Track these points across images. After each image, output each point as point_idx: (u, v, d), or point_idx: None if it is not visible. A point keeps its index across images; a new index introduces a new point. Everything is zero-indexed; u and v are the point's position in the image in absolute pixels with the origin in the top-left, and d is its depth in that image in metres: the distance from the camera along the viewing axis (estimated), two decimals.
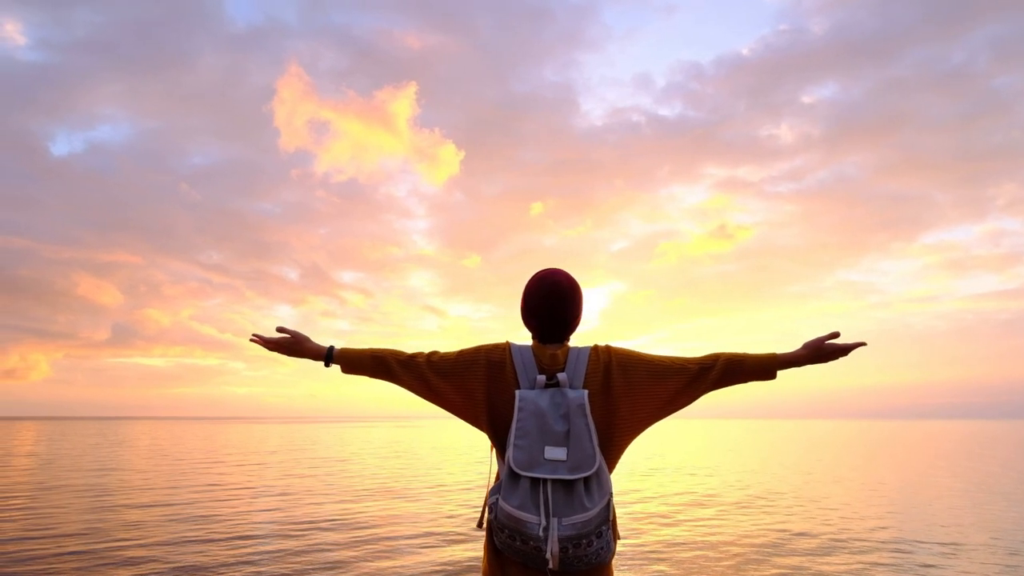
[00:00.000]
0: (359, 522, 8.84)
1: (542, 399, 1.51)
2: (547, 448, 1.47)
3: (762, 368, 1.63)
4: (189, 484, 13.63)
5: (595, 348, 1.64)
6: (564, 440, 1.46)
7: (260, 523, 8.73)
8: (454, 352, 1.68)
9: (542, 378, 1.55)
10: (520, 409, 1.50)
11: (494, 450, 1.64)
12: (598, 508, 1.42)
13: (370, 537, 7.74)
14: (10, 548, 6.97)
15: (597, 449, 1.47)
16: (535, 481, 1.44)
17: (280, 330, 1.74)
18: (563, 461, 1.44)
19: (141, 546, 7.10)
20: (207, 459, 21.44)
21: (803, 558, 6.71)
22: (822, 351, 1.62)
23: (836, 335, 1.63)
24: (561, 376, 1.55)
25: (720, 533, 8.09)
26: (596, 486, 1.44)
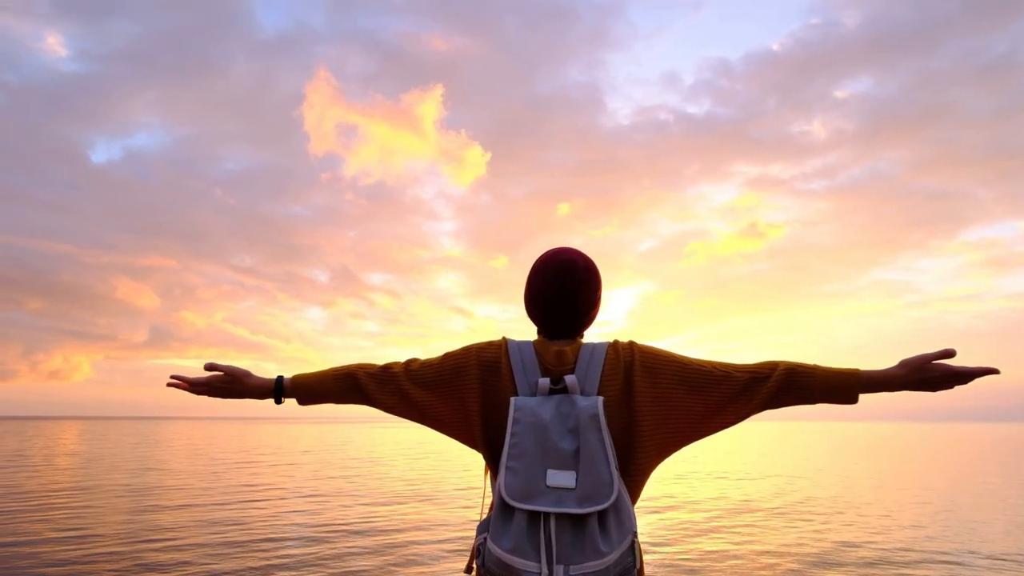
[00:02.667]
0: (386, 527, 8.79)
1: (544, 408, 1.19)
2: (550, 472, 1.14)
3: (838, 387, 1.22)
4: (222, 485, 13.80)
5: (614, 345, 1.31)
6: (572, 462, 1.14)
7: (289, 527, 8.73)
8: (438, 356, 1.36)
9: (545, 382, 1.23)
10: (515, 422, 1.18)
11: (488, 473, 1.33)
12: (617, 553, 1.10)
13: (396, 543, 7.66)
14: (42, 549, 7.08)
15: (615, 474, 1.14)
16: (534, 516, 1.12)
17: (210, 367, 1.37)
18: (571, 489, 1.13)
19: (174, 549, 7.14)
20: (240, 459, 21.75)
21: (850, 570, 6.41)
22: (928, 373, 1.20)
23: (950, 353, 1.19)
24: (570, 379, 1.22)
25: (758, 542, 7.81)
26: (614, 523, 1.12)
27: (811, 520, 9.56)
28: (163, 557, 6.76)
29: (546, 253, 1.36)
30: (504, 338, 1.35)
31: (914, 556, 7.12)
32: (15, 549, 7.07)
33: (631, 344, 1.32)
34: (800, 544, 7.73)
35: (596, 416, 1.17)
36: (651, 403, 1.25)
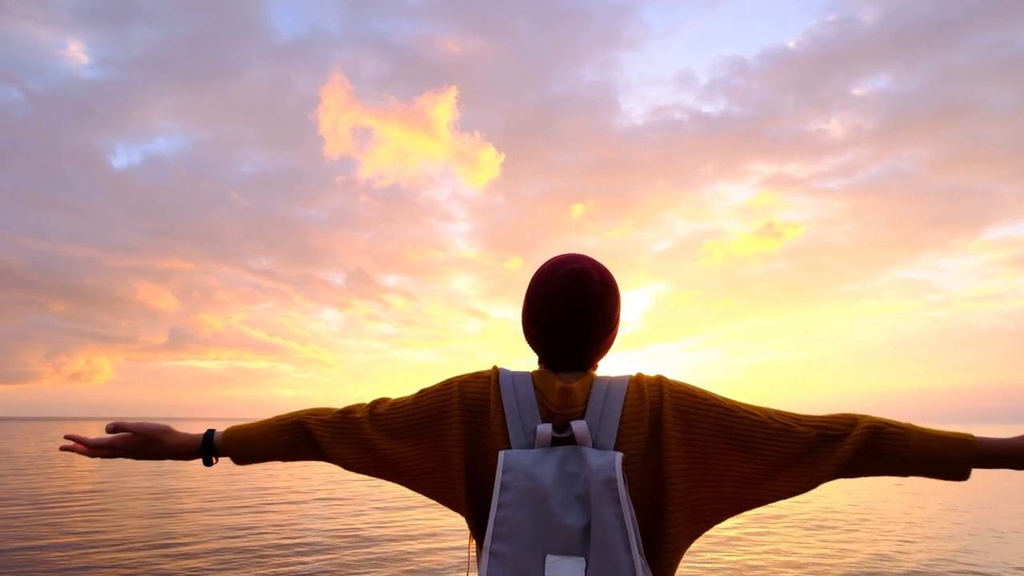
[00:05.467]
0: (400, 535, 8.68)
1: (544, 467, 0.90)
2: (550, 560, 0.87)
3: (944, 459, 0.94)
4: (237, 488, 13.82)
5: (637, 380, 1.00)
6: (580, 544, 0.87)
7: (303, 532, 8.66)
8: (411, 396, 1.06)
9: (546, 429, 0.94)
10: (504, 487, 0.90)
11: (472, 544, 1.04)
12: None
13: (412, 552, 7.54)
14: (52, 555, 7.05)
15: (639, 560, 0.85)
16: None
17: (114, 428, 1.07)
18: None
19: (186, 556, 7.08)
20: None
21: None
22: None
23: None
24: (578, 426, 0.93)
25: (782, 553, 7.59)
26: None
27: (835, 528, 9.31)
28: (175, 565, 6.69)
29: (550, 261, 1.04)
30: (495, 368, 1.04)
31: (945, 568, 6.87)
32: (25, 554, 7.05)
33: (660, 381, 1.00)
34: (825, 555, 7.49)
35: (612, 481, 0.87)
36: (685, 460, 0.95)
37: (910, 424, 0.97)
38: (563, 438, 0.94)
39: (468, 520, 1.01)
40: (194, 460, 1.10)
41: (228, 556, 7.10)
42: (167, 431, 1.09)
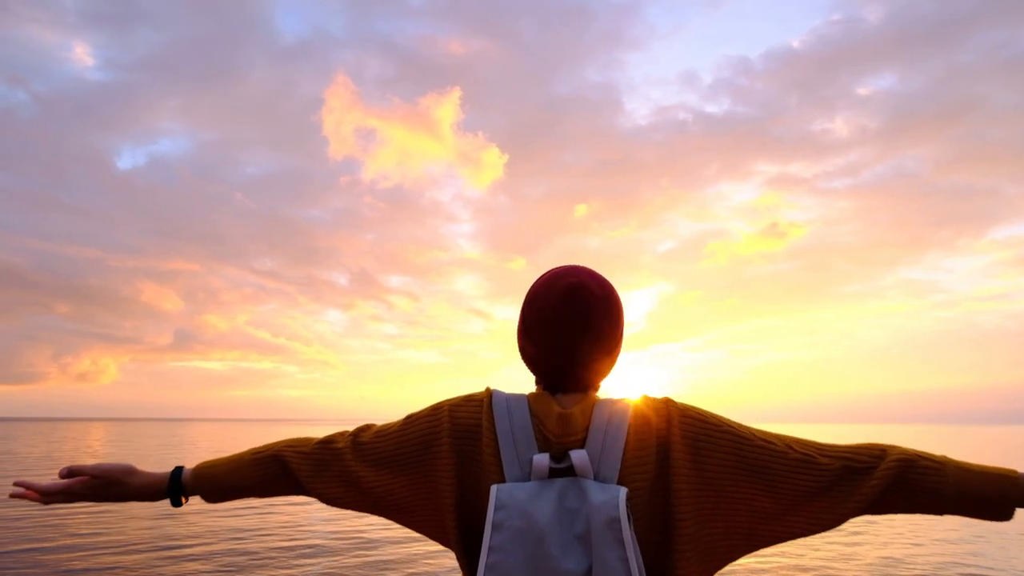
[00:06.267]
0: (405, 538, 8.64)
1: (540, 504, 0.82)
2: None
3: (984, 496, 0.85)
4: None
5: (642, 404, 0.93)
6: None
7: (308, 534, 8.62)
8: (398, 422, 0.99)
9: (543, 460, 0.86)
10: (497, 527, 0.82)
11: None
12: None
13: (417, 554, 7.51)
14: (52, 557, 7.03)
15: None
16: None
17: (71, 472, 0.97)
18: None
19: (189, 559, 7.06)
20: None
21: None
22: None
23: None
24: (578, 457, 0.86)
25: (797, 557, 7.51)
26: None
27: (842, 531, 9.21)
28: (178, 568, 6.67)
29: (547, 274, 0.96)
30: (488, 390, 0.96)
31: (954, 571, 6.77)
32: (28, 556, 7.03)
33: (667, 404, 0.92)
34: (832, 559, 7.41)
35: (616, 520, 0.79)
36: (695, 493, 0.87)
37: (945, 457, 0.88)
38: (562, 469, 0.87)
39: (459, 559, 0.93)
40: (162, 501, 1.01)
41: (231, 559, 7.07)
42: (130, 471, 0.99)
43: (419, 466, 0.94)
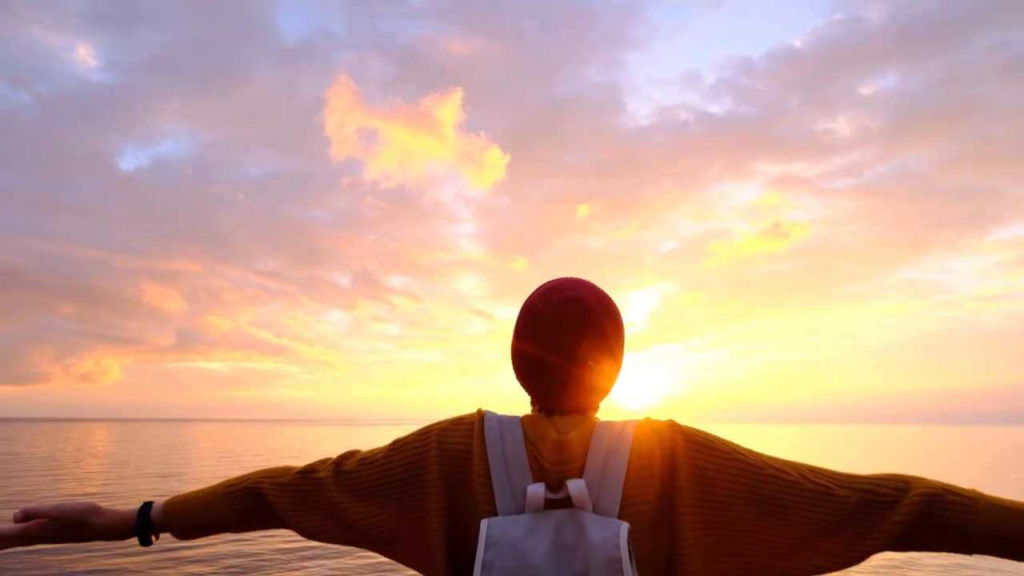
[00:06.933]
0: None
1: (534, 542, 0.77)
2: None
3: (1018, 536, 0.78)
4: None
5: (645, 428, 0.85)
6: None
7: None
8: (383, 448, 0.92)
9: (538, 491, 0.80)
10: (487, 568, 0.76)
11: None
12: None
13: None
14: (52, 559, 7.01)
15: None
16: None
17: (27, 515, 0.89)
18: None
19: (191, 561, 7.04)
20: (264, 463, 21.81)
21: None
22: None
23: None
24: (576, 488, 0.79)
25: None
26: None
27: None
28: (178, 570, 6.64)
29: (542, 288, 0.89)
30: (480, 412, 0.89)
31: (964, 573, 6.74)
32: (29, 558, 7.01)
33: (672, 428, 0.84)
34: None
35: (617, 560, 0.73)
36: (702, 527, 0.81)
37: (976, 491, 0.81)
38: (558, 500, 0.79)
39: None
40: (129, 540, 0.94)
41: (234, 560, 7.05)
42: (92, 510, 0.92)
43: (406, 496, 0.87)
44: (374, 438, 46.94)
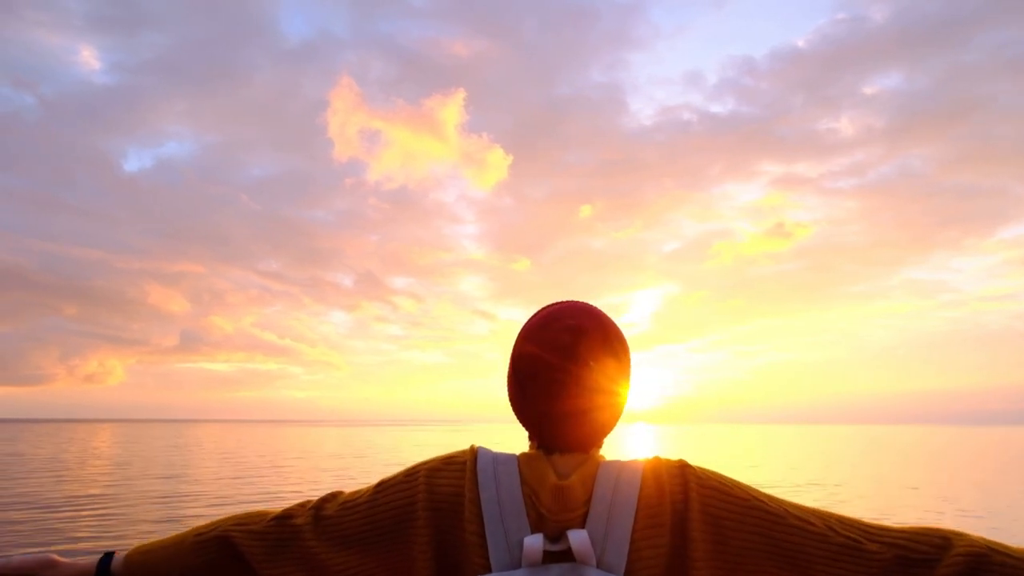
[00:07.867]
0: None
1: None
2: None
3: None
4: (247, 493, 13.80)
5: (654, 470, 0.78)
6: None
7: None
8: (367, 491, 0.84)
9: (536, 544, 0.73)
10: None
11: None
12: None
13: None
14: None
15: None
16: None
17: None
18: None
19: None
20: (266, 464, 21.80)
21: None
22: None
23: None
24: (578, 540, 0.73)
25: None
26: None
27: None
28: None
29: (543, 313, 0.83)
30: (473, 449, 0.82)
31: None
32: None
33: (683, 472, 0.77)
34: None
35: None
36: None
37: (1018, 548, 0.72)
38: (559, 552, 0.72)
39: None
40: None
41: None
42: (49, 564, 0.87)
43: (392, 545, 0.79)
44: (376, 439, 46.92)
